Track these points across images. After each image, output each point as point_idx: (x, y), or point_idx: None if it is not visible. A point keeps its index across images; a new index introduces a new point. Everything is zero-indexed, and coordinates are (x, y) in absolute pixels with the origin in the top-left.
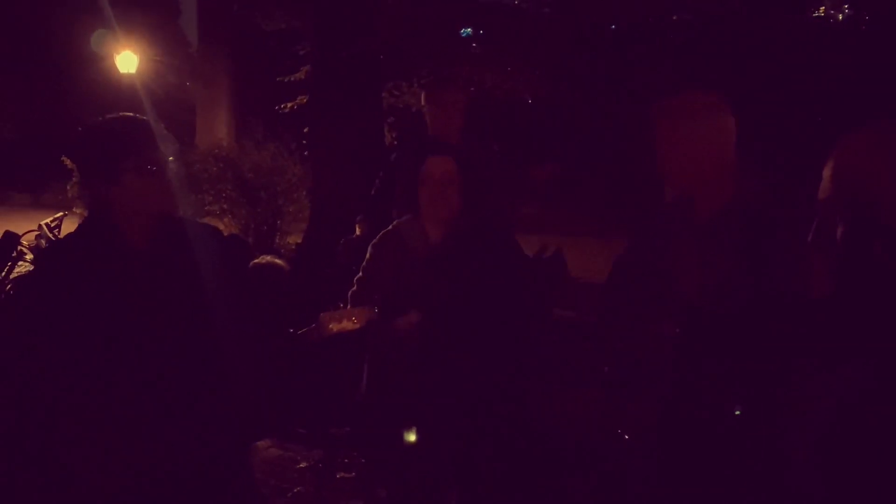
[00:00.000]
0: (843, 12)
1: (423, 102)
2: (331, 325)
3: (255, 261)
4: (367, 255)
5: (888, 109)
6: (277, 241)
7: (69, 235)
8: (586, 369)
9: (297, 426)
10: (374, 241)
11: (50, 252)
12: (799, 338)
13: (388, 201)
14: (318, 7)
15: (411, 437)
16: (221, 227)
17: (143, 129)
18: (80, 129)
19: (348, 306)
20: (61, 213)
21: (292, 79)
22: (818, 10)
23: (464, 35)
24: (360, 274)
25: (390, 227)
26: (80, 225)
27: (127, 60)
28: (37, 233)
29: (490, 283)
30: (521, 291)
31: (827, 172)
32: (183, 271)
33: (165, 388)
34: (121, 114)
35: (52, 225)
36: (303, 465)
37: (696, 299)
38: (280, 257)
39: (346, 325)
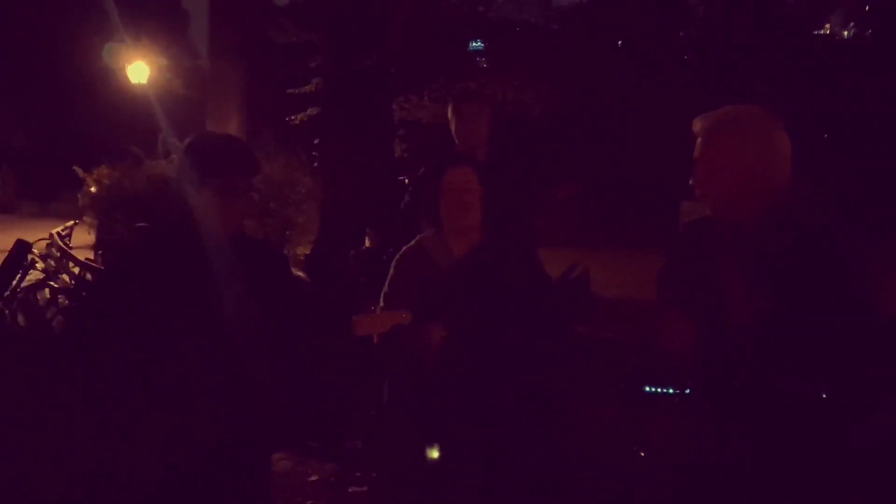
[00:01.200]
0: (848, 30)
1: (449, 116)
2: (362, 328)
3: None
4: (392, 271)
5: None
6: (286, 251)
7: (160, 229)
8: (603, 386)
9: (309, 439)
10: (398, 256)
11: (134, 244)
12: (858, 368)
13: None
14: (331, 21)
15: (434, 453)
16: None
17: (236, 156)
18: (192, 136)
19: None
20: (72, 222)
21: (303, 91)
22: (824, 27)
23: (473, 50)
24: (386, 289)
25: (413, 241)
26: (169, 222)
27: (138, 71)
28: (48, 241)
29: (513, 297)
30: (544, 306)
31: None
32: (239, 282)
33: (216, 384)
34: (227, 135)
35: (64, 234)
36: (314, 478)
37: (744, 322)
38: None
39: (378, 328)
